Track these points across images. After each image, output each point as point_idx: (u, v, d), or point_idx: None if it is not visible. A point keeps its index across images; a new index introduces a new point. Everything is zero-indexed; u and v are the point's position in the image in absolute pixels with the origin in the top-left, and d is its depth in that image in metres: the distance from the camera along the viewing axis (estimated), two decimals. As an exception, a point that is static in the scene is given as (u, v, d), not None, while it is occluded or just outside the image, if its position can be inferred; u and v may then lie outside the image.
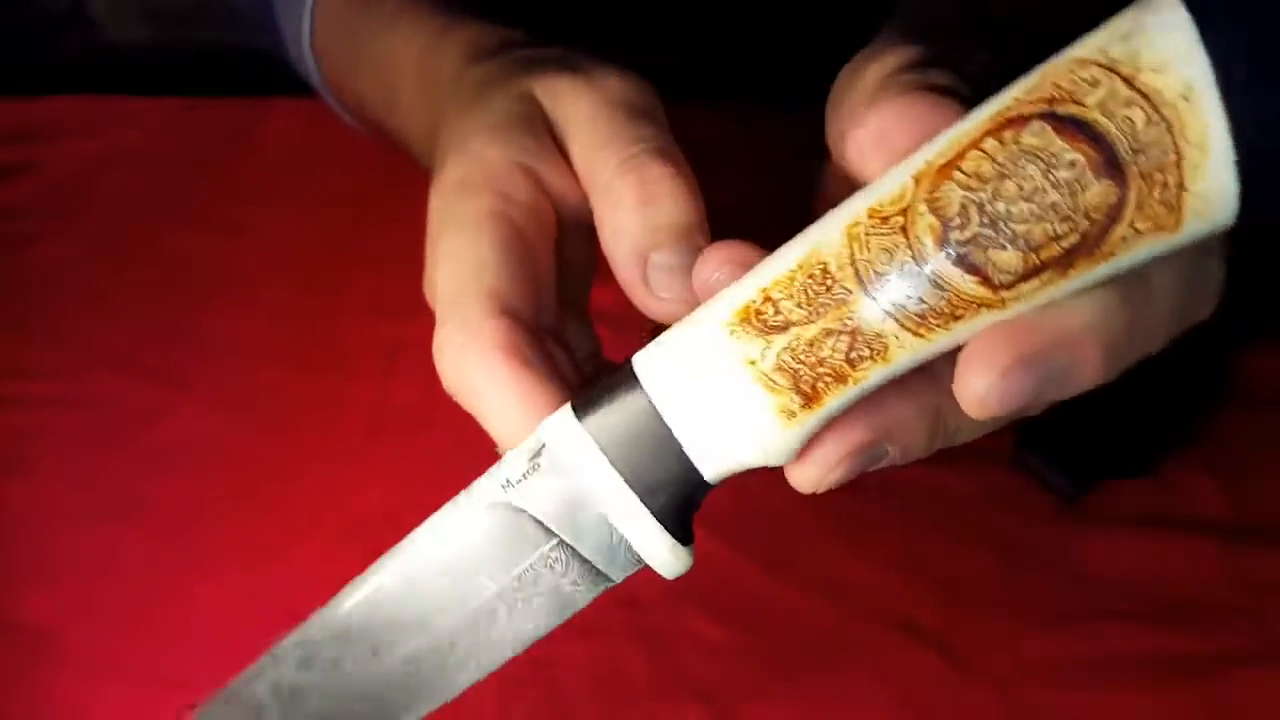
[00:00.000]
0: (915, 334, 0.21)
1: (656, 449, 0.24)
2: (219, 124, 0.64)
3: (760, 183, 0.60)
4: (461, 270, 0.28)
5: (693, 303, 0.25)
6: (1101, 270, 0.20)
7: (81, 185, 0.61)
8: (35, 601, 0.46)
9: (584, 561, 0.26)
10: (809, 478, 0.24)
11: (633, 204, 0.28)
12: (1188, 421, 0.50)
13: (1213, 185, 0.19)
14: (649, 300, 0.28)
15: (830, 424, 0.23)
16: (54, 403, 0.52)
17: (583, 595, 0.26)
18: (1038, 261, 0.20)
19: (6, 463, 0.50)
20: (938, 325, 0.21)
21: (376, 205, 0.59)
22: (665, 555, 0.25)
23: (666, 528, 0.25)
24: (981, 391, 0.21)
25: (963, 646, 0.45)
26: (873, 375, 0.22)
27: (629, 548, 0.25)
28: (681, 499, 0.25)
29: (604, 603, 0.45)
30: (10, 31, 0.77)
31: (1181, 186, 0.19)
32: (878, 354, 0.21)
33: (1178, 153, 0.19)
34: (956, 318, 0.21)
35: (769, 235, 0.63)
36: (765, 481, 0.49)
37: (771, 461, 0.24)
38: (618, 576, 0.26)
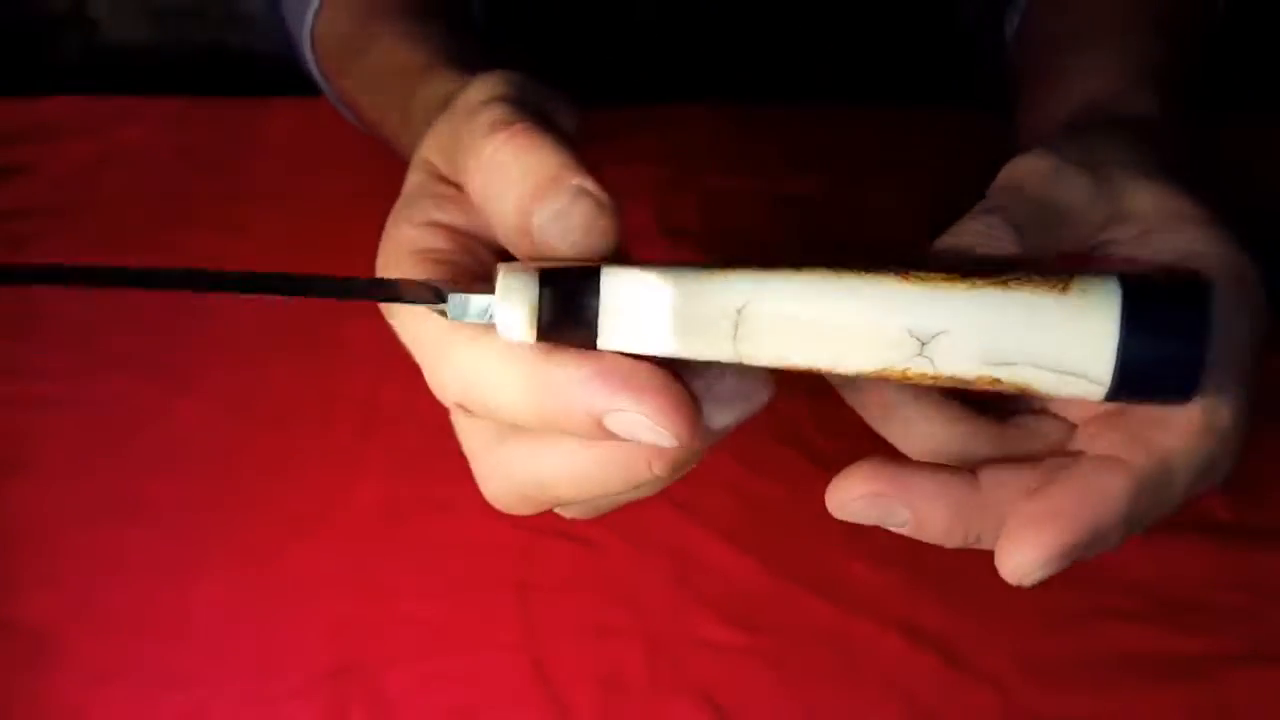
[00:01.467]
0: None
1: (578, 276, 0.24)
2: (219, 124, 0.64)
3: (756, 181, 0.60)
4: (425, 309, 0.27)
5: (584, 238, 0.25)
6: (993, 293, 0.24)
7: (81, 185, 0.61)
8: (35, 601, 0.46)
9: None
10: (834, 501, 0.27)
11: (490, 192, 0.27)
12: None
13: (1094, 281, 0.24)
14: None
15: (862, 469, 0.26)
16: (54, 403, 0.52)
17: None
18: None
19: (6, 462, 0.50)
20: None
21: (376, 205, 0.59)
22: (516, 318, 0.24)
23: (541, 304, 0.24)
24: (1023, 575, 0.26)
25: (963, 646, 0.45)
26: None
27: (492, 307, 0.24)
28: (569, 288, 0.24)
29: (604, 602, 0.46)
30: (10, 31, 0.77)
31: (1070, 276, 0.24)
32: None
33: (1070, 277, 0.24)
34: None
35: (766, 232, 0.64)
36: (766, 482, 0.49)
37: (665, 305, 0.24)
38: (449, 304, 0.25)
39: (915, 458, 0.28)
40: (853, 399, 0.28)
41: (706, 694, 0.43)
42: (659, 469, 0.25)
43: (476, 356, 0.25)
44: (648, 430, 0.24)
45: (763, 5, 0.68)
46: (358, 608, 0.45)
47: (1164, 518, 0.27)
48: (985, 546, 0.27)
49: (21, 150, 0.62)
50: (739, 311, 0.24)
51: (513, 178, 0.26)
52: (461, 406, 0.26)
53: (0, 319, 0.55)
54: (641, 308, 0.24)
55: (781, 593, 0.46)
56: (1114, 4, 0.46)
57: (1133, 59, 0.41)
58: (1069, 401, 0.28)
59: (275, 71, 0.60)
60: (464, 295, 0.24)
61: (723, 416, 0.25)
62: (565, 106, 0.30)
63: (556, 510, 0.29)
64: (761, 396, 0.25)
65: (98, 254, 0.58)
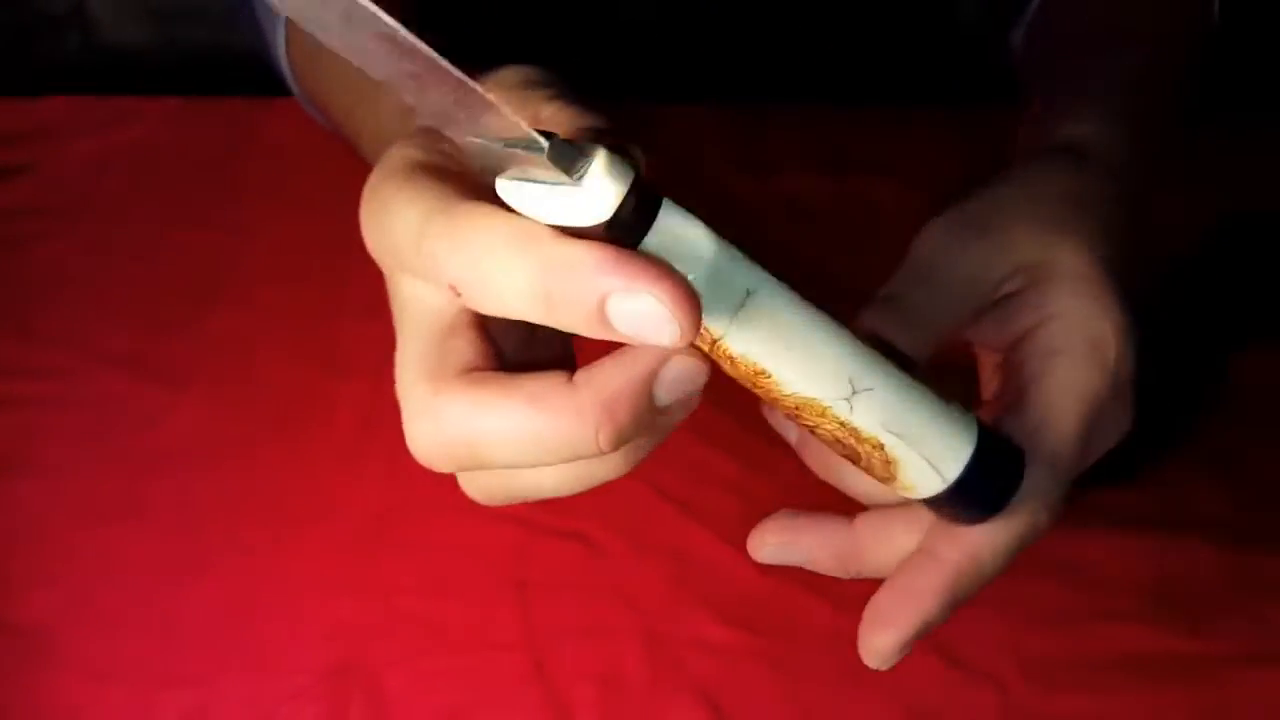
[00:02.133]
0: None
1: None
2: (219, 124, 0.64)
3: (756, 181, 0.60)
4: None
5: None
6: (906, 379, 0.28)
7: (81, 185, 0.61)
8: (34, 601, 0.46)
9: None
10: (751, 546, 0.33)
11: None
12: (1186, 425, 0.50)
13: (965, 412, 0.29)
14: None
15: (771, 523, 0.33)
16: (54, 402, 0.52)
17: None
18: None
19: (6, 462, 0.50)
20: None
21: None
22: (608, 193, 0.24)
23: (629, 193, 0.24)
24: (879, 663, 0.30)
25: (962, 646, 0.45)
26: None
27: (590, 169, 0.24)
28: (642, 196, 0.25)
29: (603, 602, 0.46)
30: (10, 31, 0.77)
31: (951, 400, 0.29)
32: None
33: None
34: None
35: (767, 232, 0.63)
36: (765, 482, 0.49)
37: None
38: (543, 146, 0.24)
39: (837, 487, 0.32)
40: (800, 446, 0.33)
41: (705, 693, 0.43)
42: (605, 437, 0.25)
43: (490, 230, 0.25)
44: (655, 318, 0.24)
45: (763, 5, 0.68)
46: (358, 607, 0.45)
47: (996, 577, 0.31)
48: (867, 576, 0.32)
49: (22, 150, 0.62)
50: (748, 294, 0.26)
51: (560, 125, 0.27)
52: (455, 288, 0.26)
53: (0, 319, 0.55)
54: (682, 246, 0.25)
55: (780, 593, 0.46)
56: (1106, 13, 0.46)
57: (1109, 71, 0.42)
58: None
59: (275, 72, 0.60)
60: (567, 143, 0.24)
61: (668, 394, 0.26)
62: (552, 77, 0.31)
63: (468, 483, 0.30)
64: (699, 382, 0.26)
65: (98, 254, 0.58)
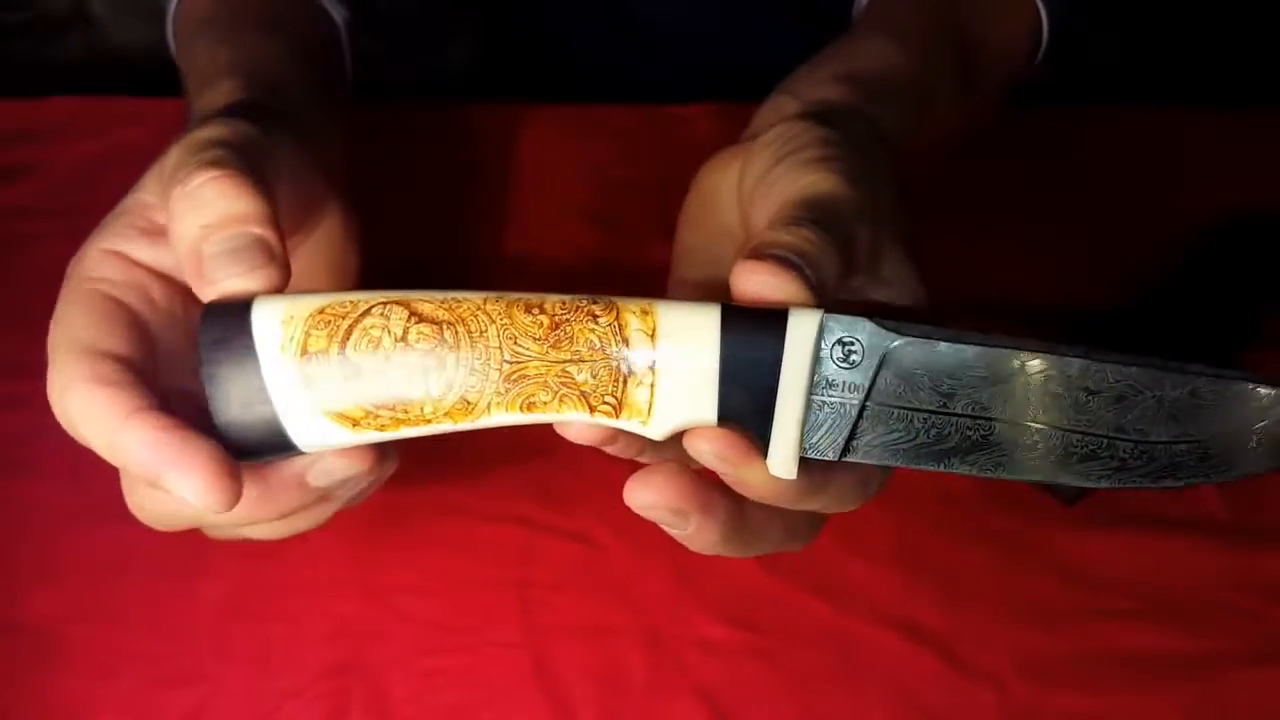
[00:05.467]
0: None
1: None
2: (220, 124, 0.64)
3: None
4: (59, 330, 0.34)
5: (244, 278, 0.30)
6: None
7: (82, 185, 0.61)
8: (38, 601, 0.46)
9: None
10: (638, 500, 0.31)
11: (181, 214, 0.30)
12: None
13: None
14: (207, 287, 0.30)
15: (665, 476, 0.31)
16: (55, 402, 0.52)
17: None
18: None
19: (9, 462, 0.50)
20: None
21: (371, 201, 0.59)
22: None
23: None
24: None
25: (961, 645, 0.45)
26: None
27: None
28: None
29: (604, 602, 0.46)
30: (11, 31, 0.77)
31: None
32: None
33: None
34: None
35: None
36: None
37: None
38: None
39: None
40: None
41: (705, 693, 0.43)
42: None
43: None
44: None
45: (762, 5, 0.68)
46: (358, 607, 0.45)
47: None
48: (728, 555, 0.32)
49: (23, 151, 0.62)
50: None
51: (204, 208, 0.30)
52: None
53: (0, 319, 0.55)
54: None
55: (780, 592, 0.46)
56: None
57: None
58: None
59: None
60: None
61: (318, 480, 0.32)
62: (237, 132, 0.33)
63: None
64: (353, 473, 0.32)
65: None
